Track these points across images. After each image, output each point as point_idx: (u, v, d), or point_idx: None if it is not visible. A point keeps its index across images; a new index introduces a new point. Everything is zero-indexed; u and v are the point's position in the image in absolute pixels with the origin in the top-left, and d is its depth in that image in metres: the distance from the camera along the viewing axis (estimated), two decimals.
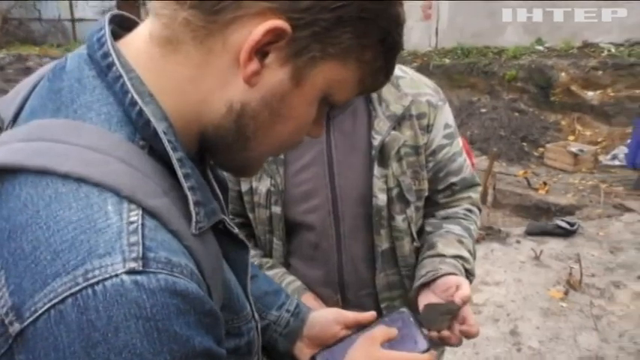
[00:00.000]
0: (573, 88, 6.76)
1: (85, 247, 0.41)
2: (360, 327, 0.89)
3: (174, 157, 0.49)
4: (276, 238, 1.14)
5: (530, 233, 4.22)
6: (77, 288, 0.40)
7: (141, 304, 0.40)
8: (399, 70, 1.13)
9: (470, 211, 1.20)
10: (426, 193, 1.15)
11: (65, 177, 0.44)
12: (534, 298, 3.38)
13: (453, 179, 1.18)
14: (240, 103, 0.51)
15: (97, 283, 0.40)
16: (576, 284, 3.46)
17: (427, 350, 0.85)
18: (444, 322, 0.93)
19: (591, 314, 3.18)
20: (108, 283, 0.40)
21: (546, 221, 4.43)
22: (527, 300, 3.33)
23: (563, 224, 4.19)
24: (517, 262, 3.85)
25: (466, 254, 1.10)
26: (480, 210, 1.24)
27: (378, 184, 1.08)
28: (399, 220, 1.12)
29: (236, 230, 0.59)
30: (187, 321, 0.43)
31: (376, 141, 1.07)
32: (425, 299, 1.00)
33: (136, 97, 0.48)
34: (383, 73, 0.56)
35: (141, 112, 0.48)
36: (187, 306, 0.43)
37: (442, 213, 1.20)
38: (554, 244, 4.06)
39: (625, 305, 3.28)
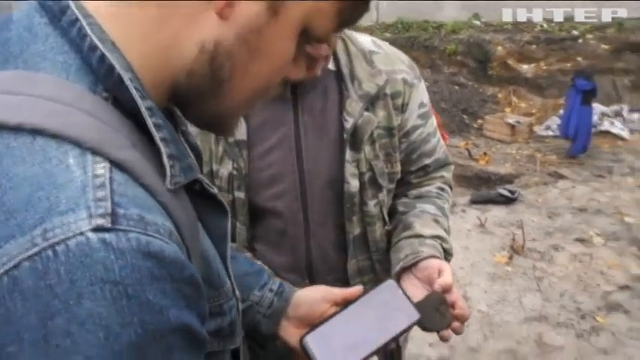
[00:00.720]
0: (509, 61, 7.00)
1: (43, 204, 0.36)
2: (348, 303, 0.86)
3: (142, 105, 0.43)
4: (239, 223, 1.06)
5: (474, 202, 4.38)
6: (35, 250, 0.35)
7: (108, 266, 0.35)
8: (374, 44, 1.08)
9: (442, 189, 1.17)
10: (399, 176, 1.11)
11: (18, 130, 0.38)
12: (481, 264, 3.52)
13: (427, 161, 1.14)
14: (214, 42, 0.46)
15: (59, 242, 0.35)
16: (519, 249, 3.63)
17: (419, 320, 0.84)
18: (444, 320, 0.90)
19: (534, 276, 3.35)
20: (71, 242, 0.35)
21: (488, 190, 4.60)
22: (475, 266, 3.46)
23: (505, 192, 4.36)
24: (464, 230, 3.98)
25: (443, 234, 1.07)
26: (451, 188, 1.21)
27: (349, 169, 1.02)
28: (371, 205, 1.07)
29: (214, 190, 0.53)
30: (162, 288, 0.37)
31: (348, 123, 1.00)
32: (408, 285, 0.96)
33: (95, 40, 0.42)
34: (363, 1, 0.52)
35: (103, 57, 0.42)
36: (163, 271, 0.37)
37: (414, 192, 1.16)
38: (497, 212, 4.23)
39: (564, 266, 3.48)
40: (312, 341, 0.82)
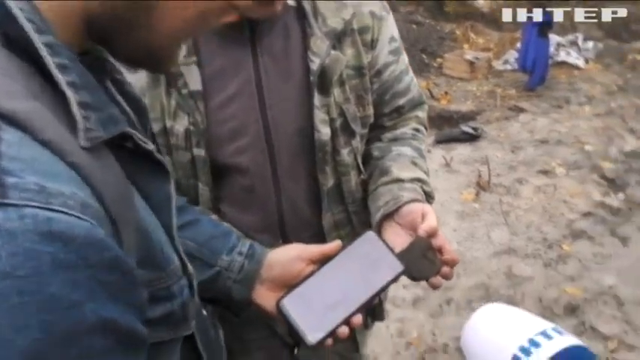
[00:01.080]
0: None
1: None
2: (326, 260, 0.80)
3: (38, 40, 0.33)
4: (201, 184, 0.97)
5: (439, 142, 4.37)
6: None
7: None
8: None
9: (418, 130, 1.10)
10: (372, 120, 1.03)
11: None
12: (449, 203, 3.54)
13: (401, 101, 1.06)
14: None
15: None
16: (485, 185, 3.66)
17: (404, 272, 0.79)
18: (432, 267, 0.84)
19: (501, 211, 3.39)
20: None
21: (451, 129, 4.59)
22: (444, 206, 3.48)
23: (468, 130, 4.36)
24: (431, 170, 3.96)
25: (423, 176, 1.01)
26: (426, 129, 1.14)
27: (319, 115, 0.93)
28: (345, 153, 0.99)
29: (151, 147, 0.44)
30: (71, 278, 0.29)
31: (314, 64, 0.91)
32: (391, 233, 0.90)
33: None
34: None
35: None
36: (71, 255, 0.29)
37: (389, 135, 1.09)
38: (461, 150, 4.24)
39: (529, 199, 3.53)
40: (290, 304, 0.76)
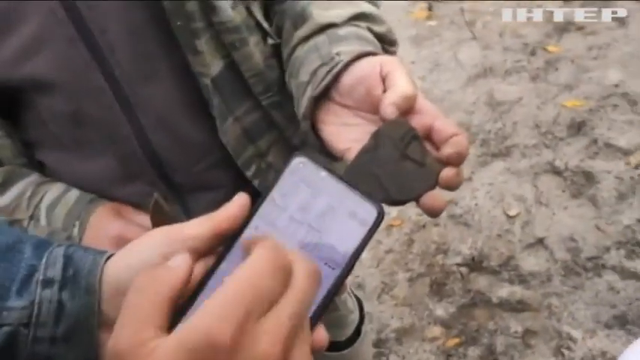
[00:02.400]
0: None
1: None
2: (230, 239, 0.37)
3: None
4: None
5: None
6: None
7: None
8: None
9: None
10: None
11: None
12: (398, 28, 2.80)
13: None
14: None
15: None
16: None
17: (381, 215, 0.37)
18: (422, 173, 0.45)
19: (464, 22, 2.69)
20: None
21: None
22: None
23: None
24: None
25: (367, 8, 0.62)
26: None
27: None
28: (227, 9, 0.62)
29: None
30: None
31: None
32: (336, 131, 0.54)
33: None
34: None
35: None
36: None
37: None
38: None
39: None
40: None
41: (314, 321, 0.35)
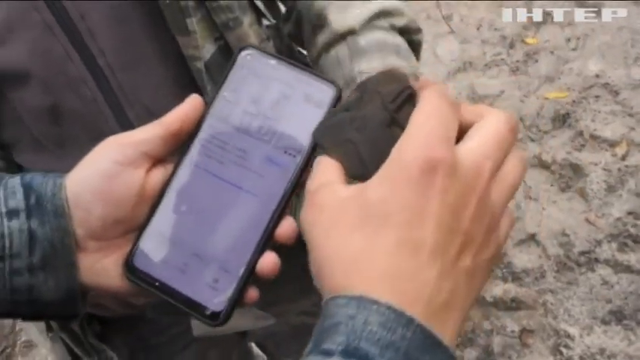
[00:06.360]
0: None
1: None
2: (186, 143, 0.38)
3: None
4: None
5: None
6: None
7: None
8: None
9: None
10: None
11: None
12: None
13: None
14: None
15: None
16: None
17: (338, 94, 0.36)
18: None
19: (441, 16, 2.65)
20: None
21: None
22: None
23: None
24: None
25: (385, 2, 0.60)
26: None
27: None
28: None
29: None
30: None
31: None
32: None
33: None
34: None
35: None
36: None
37: None
38: None
39: None
40: (149, 262, 0.38)
41: (281, 211, 0.35)
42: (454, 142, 0.29)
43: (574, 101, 2.08)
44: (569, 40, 2.34)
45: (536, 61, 2.29)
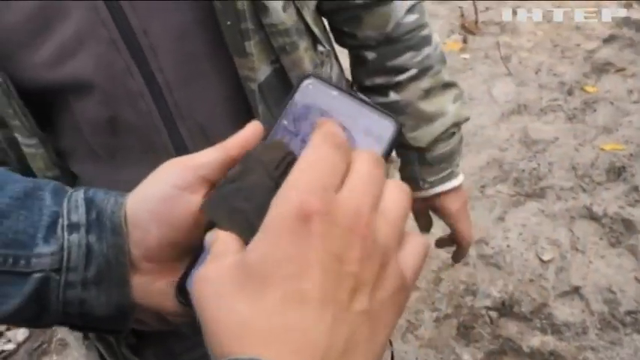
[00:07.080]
0: None
1: None
2: (243, 168, 0.35)
3: None
4: (22, 136, 0.60)
5: None
6: None
7: None
8: None
9: None
10: None
11: None
12: None
13: None
14: None
15: None
16: (472, 27, 2.87)
17: (399, 129, 0.35)
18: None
19: (499, 57, 2.65)
20: None
21: None
22: None
23: None
24: None
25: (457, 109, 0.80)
26: None
27: None
28: (278, 8, 0.59)
29: None
30: None
31: None
32: None
33: None
34: None
35: None
36: None
37: None
38: None
39: (532, 34, 2.77)
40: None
41: None
42: (336, 186, 0.29)
43: (631, 155, 2.03)
44: (630, 91, 2.29)
45: (595, 110, 2.25)
